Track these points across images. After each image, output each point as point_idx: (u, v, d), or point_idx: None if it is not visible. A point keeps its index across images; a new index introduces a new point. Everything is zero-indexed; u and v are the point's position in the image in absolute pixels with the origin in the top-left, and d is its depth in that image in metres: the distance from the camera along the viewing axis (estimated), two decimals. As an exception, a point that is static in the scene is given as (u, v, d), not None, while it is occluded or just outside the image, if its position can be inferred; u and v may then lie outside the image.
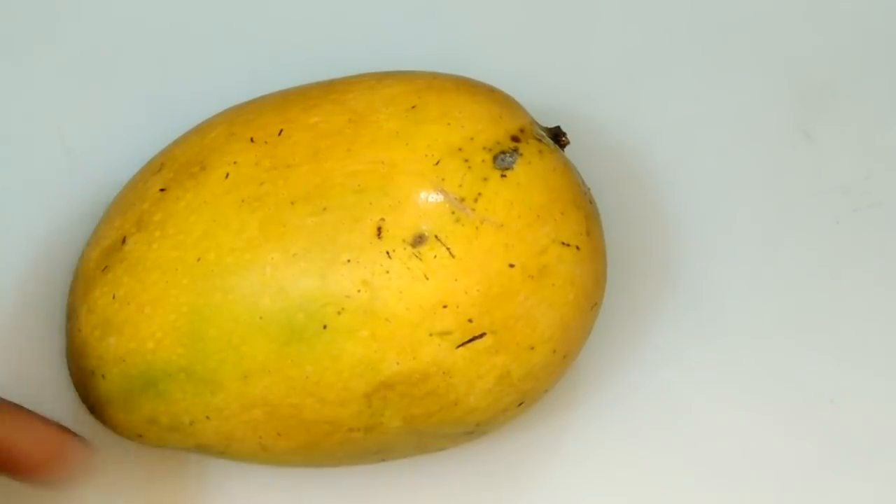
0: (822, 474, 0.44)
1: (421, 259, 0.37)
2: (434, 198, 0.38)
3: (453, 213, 0.37)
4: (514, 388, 0.39)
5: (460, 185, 0.38)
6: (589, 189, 0.40)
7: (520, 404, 0.39)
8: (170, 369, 0.38)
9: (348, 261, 0.37)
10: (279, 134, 0.39)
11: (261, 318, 0.38)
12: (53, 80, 0.46)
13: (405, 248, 0.37)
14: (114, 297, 0.39)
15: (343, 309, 0.37)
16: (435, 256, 0.37)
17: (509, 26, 0.46)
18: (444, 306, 0.37)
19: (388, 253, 0.37)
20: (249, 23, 0.47)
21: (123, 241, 0.40)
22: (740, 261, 0.45)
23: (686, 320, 0.44)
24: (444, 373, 0.38)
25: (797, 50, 0.47)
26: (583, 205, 0.39)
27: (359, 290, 0.37)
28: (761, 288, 0.45)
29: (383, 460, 0.41)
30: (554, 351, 0.39)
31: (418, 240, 0.37)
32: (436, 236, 0.37)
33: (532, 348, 0.38)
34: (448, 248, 0.37)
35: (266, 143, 0.39)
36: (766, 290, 0.45)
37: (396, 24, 0.46)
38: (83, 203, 0.45)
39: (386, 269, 0.37)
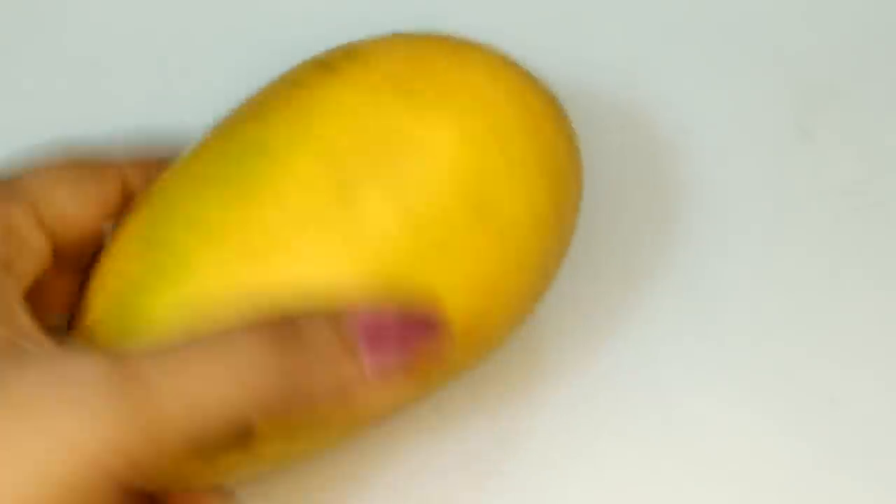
0: (822, 474, 0.43)
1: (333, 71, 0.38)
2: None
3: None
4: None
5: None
6: None
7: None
8: (142, 280, 0.36)
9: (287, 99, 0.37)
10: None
11: (208, 176, 0.37)
12: (53, 81, 0.46)
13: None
14: (101, 272, 0.37)
15: (281, 135, 0.37)
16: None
17: (505, 23, 0.47)
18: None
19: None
20: (250, 23, 0.47)
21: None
22: (740, 261, 0.45)
23: (685, 320, 0.44)
24: (397, 131, 0.37)
25: (797, 50, 0.47)
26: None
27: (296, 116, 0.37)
28: (761, 288, 0.45)
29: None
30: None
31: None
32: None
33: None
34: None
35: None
36: (765, 289, 0.45)
37: (396, 16, 0.46)
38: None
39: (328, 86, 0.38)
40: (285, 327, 0.33)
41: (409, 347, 0.34)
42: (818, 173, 0.46)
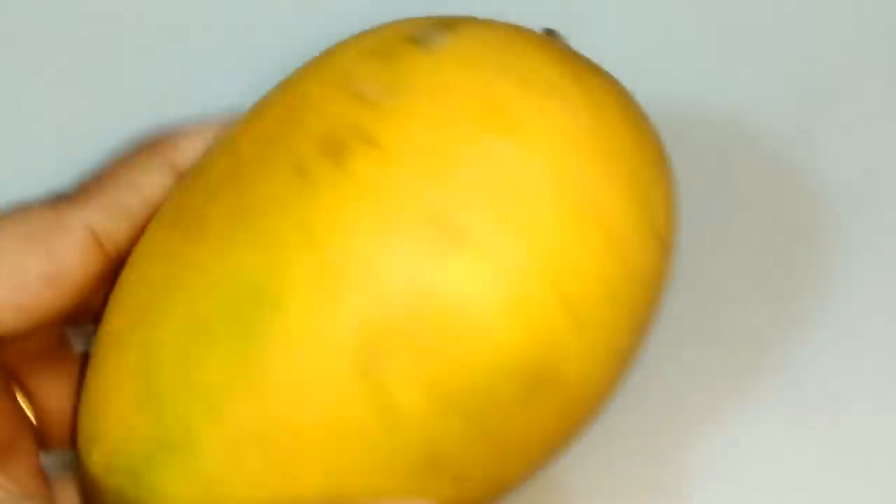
0: (823, 474, 0.44)
1: (348, 170, 0.30)
2: (347, 100, 0.30)
3: (365, 104, 0.30)
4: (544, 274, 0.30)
5: (376, 76, 0.30)
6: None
7: (561, 303, 0.30)
8: (146, 452, 0.32)
9: (279, 213, 0.30)
10: (207, 165, 0.33)
11: (204, 328, 0.31)
12: (53, 80, 0.46)
13: (327, 169, 0.30)
14: (87, 410, 0.33)
15: (286, 275, 0.30)
16: (364, 160, 0.30)
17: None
18: (400, 209, 0.30)
19: (312, 184, 0.30)
20: (251, 23, 0.47)
21: (95, 341, 0.34)
22: (739, 261, 0.45)
23: (685, 320, 0.44)
24: (453, 298, 0.29)
25: (797, 50, 0.47)
26: (549, 47, 0.32)
27: (297, 242, 0.30)
28: (760, 288, 0.45)
29: (463, 487, 0.31)
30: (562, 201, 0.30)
31: (337, 151, 0.30)
32: (356, 136, 0.30)
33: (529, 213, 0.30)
34: (373, 142, 0.30)
35: (194, 175, 0.33)
36: (765, 289, 0.45)
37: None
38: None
39: (317, 202, 0.30)
40: None
41: None
42: (818, 173, 0.46)
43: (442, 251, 0.28)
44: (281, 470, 0.30)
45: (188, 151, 0.34)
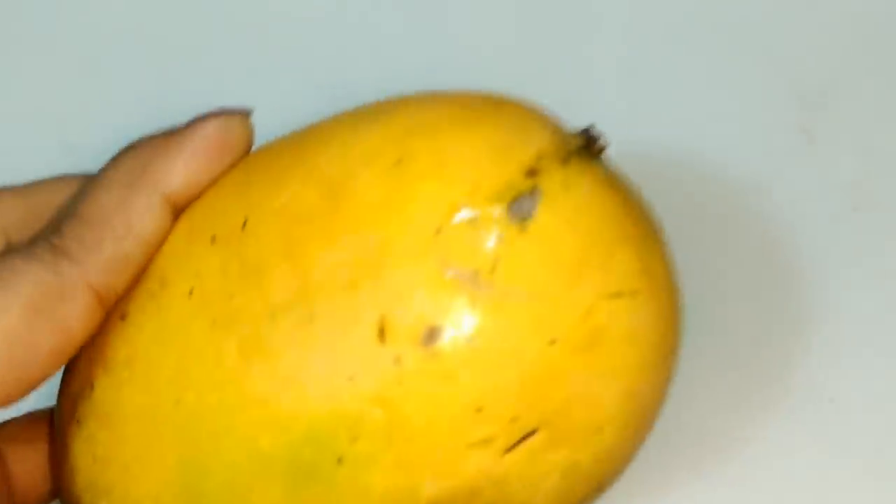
0: (823, 474, 0.44)
1: (438, 358, 0.30)
2: (440, 279, 0.30)
3: (467, 293, 0.30)
4: (586, 476, 0.32)
5: (471, 256, 0.30)
6: (642, 200, 0.33)
7: (598, 489, 0.33)
8: None
9: (351, 378, 0.30)
10: (243, 227, 0.32)
11: (264, 461, 0.31)
12: (53, 80, 0.46)
13: (416, 350, 0.30)
14: (94, 458, 0.33)
15: (357, 435, 0.30)
16: (454, 352, 0.30)
17: (507, 27, 0.47)
18: (479, 409, 0.30)
19: (397, 359, 0.30)
20: (251, 23, 0.47)
21: (91, 387, 0.33)
22: (739, 261, 0.45)
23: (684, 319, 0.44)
24: (496, 483, 0.31)
25: (797, 50, 0.47)
26: (633, 235, 0.31)
27: (371, 410, 0.30)
28: (760, 288, 0.45)
29: None
30: (625, 425, 0.32)
31: (431, 335, 0.30)
32: (452, 327, 0.30)
33: (599, 430, 0.31)
34: (469, 339, 0.30)
35: (229, 241, 0.32)
36: (765, 289, 0.45)
37: (396, 30, 0.46)
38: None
39: (399, 380, 0.30)
40: None
41: None
42: (818, 173, 0.46)
43: (502, 456, 0.30)
44: None
45: (183, 180, 0.32)
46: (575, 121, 0.42)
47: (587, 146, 0.32)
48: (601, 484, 0.33)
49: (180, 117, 0.44)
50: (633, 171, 0.45)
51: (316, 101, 0.44)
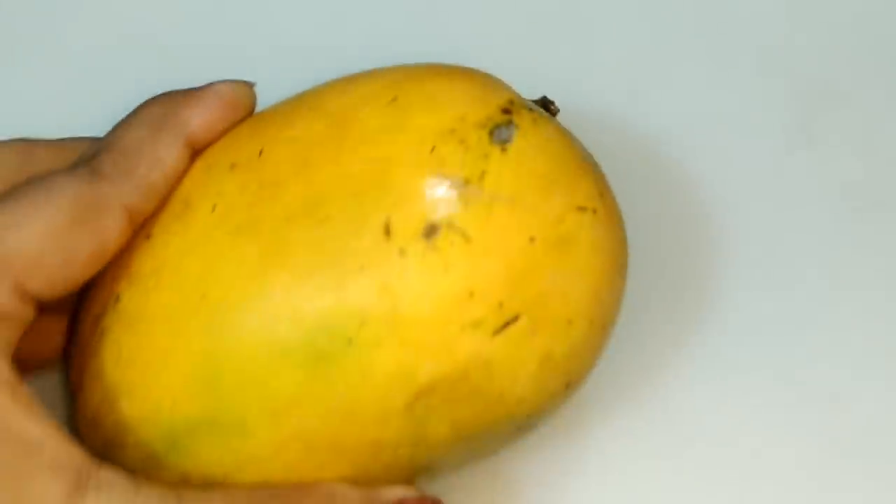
0: (823, 474, 0.44)
1: (437, 250, 0.35)
2: (437, 184, 0.36)
3: (460, 196, 0.36)
4: (560, 368, 0.37)
5: (462, 167, 0.36)
6: (590, 153, 0.39)
7: (567, 386, 0.38)
8: (192, 422, 0.37)
9: (361, 267, 0.36)
10: (259, 155, 0.37)
11: (281, 347, 0.36)
12: (53, 80, 0.46)
13: (418, 242, 0.35)
14: (119, 359, 0.37)
15: (366, 319, 0.35)
16: (451, 244, 0.35)
17: (508, 26, 0.47)
18: (471, 294, 0.35)
19: (401, 250, 0.35)
20: (250, 23, 0.47)
21: (117, 299, 0.38)
22: (739, 261, 0.45)
23: (684, 319, 0.44)
24: (484, 365, 0.36)
25: (797, 50, 0.47)
26: (589, 169, 0.38)
27: (379, 296, 0.35)
28: (760, 288, 0.45)
29: (434, 477, 0.39)
30: (591, 322, 0.37)
31: (430, 230, 0.36)
32: (448, 224, 0.36)
33: (570, 322, 0.37)
34: (463, 233, 0.35)
35: (248, 166, 0.37)
36: (765, 289, 0.45)
37: (392, 24, 0.47)
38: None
39: (403, 268, 0.35)
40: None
41: None
42: (818, 173, 0.46)
43: (491, 337, 0.36)
44: (318, 463, 0.37)
45: (201, 126, 0.38)
46: (573, 120, 0.42)
47: (545, 106, 0.39)
48: (569, 382, 0.38)
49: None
50: (632, 168, 0.45)
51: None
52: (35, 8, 0.47)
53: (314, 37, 0.48)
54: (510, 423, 0.38)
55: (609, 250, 0.38)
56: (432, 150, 0.36)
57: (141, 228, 0.38)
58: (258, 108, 0.42)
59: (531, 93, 0.41)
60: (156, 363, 0.37)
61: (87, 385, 0.38)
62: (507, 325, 0.36)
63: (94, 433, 0.38)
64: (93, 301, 0.39)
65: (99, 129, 0.45)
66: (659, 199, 0.46)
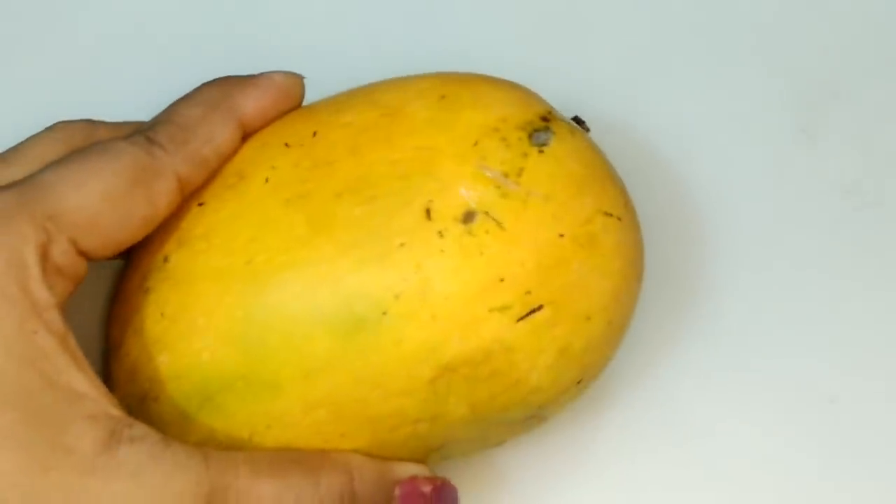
0: (823, 474, 0.44)
1: (473, 235, 0.38)
2: (478, 175, 0.38)
3: (499, 188, 0.38)
4: (575, 361, 0.39)
5: (502, 162, 0.38)
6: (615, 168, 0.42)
7: (579, 382, 0.40)
8: (227, 378, 0.38)
9: (402, 244, 0.38)
10: (314, 136, 0.40)
11: (320, 312, 0.38)
12: (53, 80, 0.46)
13: (456, 226, 0.38)
14: (162, 315, 0.39)
15: (401, 293, 0.37)
16: (487, 231, 0.38)
17: (508, 26, 0.47)
18: (501, 280, 0.37)
19: (440, 233, 0.38)
20: (253, 25, 0.47)
21: (165, 259, 0.40)
22: (740, 260, 0.45)
23: (684, 319, 0.45)
24: (506, 349, 0.38)
25: (797, 50, 0.47)
26: (617, 179, 0.41)
27: (415, 272, 0.37)
28: (761, 287, 0.45)
29: (444, 458, 0.41)
30: (609, 321, 0.39)
31: (468, 217, 0.38)
32: (485, 212, 0.38)
33: (588, 318, 0.39)
34: (498, 222, 0.38)
35: (302, 145, 0.40)
36: (765, 289, 0.45)
37: (396, 27, 0.47)
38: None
39: (440, 249, 0.38)
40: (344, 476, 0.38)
41: None
42: (818, 173, 0.46)
43: (514, 323, 0.38)
44: (341, 430, 0.38)
45: (254, 109, 0.40)
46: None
47: (577, 122, 0.42)
48: (582, 378, 0.40)
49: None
50: (632, 168, 0.45)
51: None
52: (35, 7, 0.48)
53: (314, 37, 0.48)
54: (522, 411, 0.39)
55: (630, 256, 0.40)
56: (475, 143, 0.38)
57: (192, 198, 0.40)
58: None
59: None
60: (198, 321, 0.39)
61: (128, 340, 0.40)
62: (531, 312, 0.38)
63: (129, 387, 0.40)
64: (140, 261, 0.40)
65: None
66: (659, 199, 0.46)
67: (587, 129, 0.41)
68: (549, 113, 0.40)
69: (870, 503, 0.44)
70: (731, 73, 0.47)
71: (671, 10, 0.48)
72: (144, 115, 0.47)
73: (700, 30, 0.48)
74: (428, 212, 0.38)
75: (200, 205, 0.39)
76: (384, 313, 0.37)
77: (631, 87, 0.47)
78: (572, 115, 0.42)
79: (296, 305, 0.38)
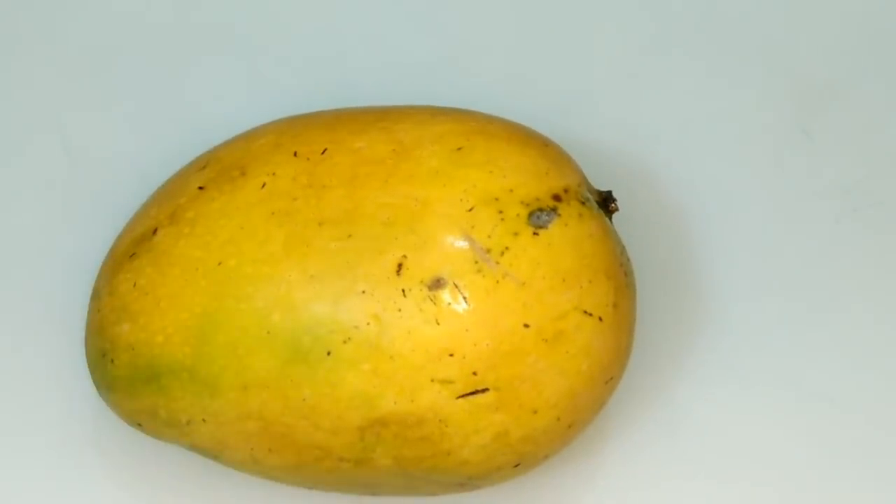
0: (823, 474, 0.44)
1: (435, 303, 0.37)
2: (459, 244, 0.38)
3: (476, 262, 0.37)
4: (511, 448, 0.39)
5: (489, 236, 0.38)
6: (628, 260, 0.41)
7: (516, 465, 0.40)
8: (174, 366, 0.39)
9: (363, 292, 0.38)
10: (322, 153, 0.40)
11: (268, 332, 0.38)
12: (53, 80, 0.46)
13: (421, 290, 0.37)
14: (134, 285, 0.40)
15: (349, 339, 0.38)
16: (449, 303, 0.37)
17: (506, 28, 0.47)
18: (451, 354, 0.37)
19: (403, 291, 0.38)
20: (246, 22, 0.47)
21: (155, 231, 0.40)
22: (740, 260, 0.45)
23: (684, 319, 0.45)
24: (440, 421, 0.38)
25: (797, 50, 0.47)
26: (615, 276, 0.39)
27: (368, 323, 0.38)
28: (761, 287, 0.45)
29: (373, 494, 0.42)
30: (558, 419, 0.39)
31: (436, 283, 0.37)
32: (454, 283, 0.37)
33: (535, 412, 0.38)
34: (464, 297, 0.37)
35: (308, 159, 0.40)
36: (765, 289, 0.45)
37: (392, 25, 0.47)
38: (83, 203, 0.45)
39: (399, 307, 0.38)
40: None
41: None
42: (818, 173, 0.46)
43: (454, 399, 0.38)
44: (269, 445, 0.39)
45: None
46: (574, 120, 0.42)
47: (604, 202, 0.40)
48: (520, 462, 0.39)
49: (181, 116, 0.44)
50: (632, 168, 0.45)
51: (316, 102, 0.44)
52: (35, 7, 0.48)
53: (314, 36, 0.48)
54: (452, 478, 0.40)
55: (601, 360, 0.39)
56: (470, 209, 0.38)
57: (197, 178, 0.41)
58: (259, 108, 0.43)
59: (533, 95, 0.41)
60: (163, 302, 0.39)
61: (103, 296, 0.41)
62: (473, 393, 0.38)
63: (96, 339, 0.41)
64: (138, 223, 0.41)
65: (98, 126, 0.46)
66: (658, 199, 0.46)
67: (613, 211, 0.40)
68: (566, 191, 0.39)
69: (870, 503, 0.44)
70: (731, 73, 0.47)
71: (671, 9, 0.48)
72: (145, 114, 0.47)
73: (700, 30, 0.48)
74: (399, 266, 0.37)
75: (200, 188, 0.40)
76: (328, 353, 0.38)
77: (630, 88, 0.47)
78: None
79: (250, 318, 0.38)
